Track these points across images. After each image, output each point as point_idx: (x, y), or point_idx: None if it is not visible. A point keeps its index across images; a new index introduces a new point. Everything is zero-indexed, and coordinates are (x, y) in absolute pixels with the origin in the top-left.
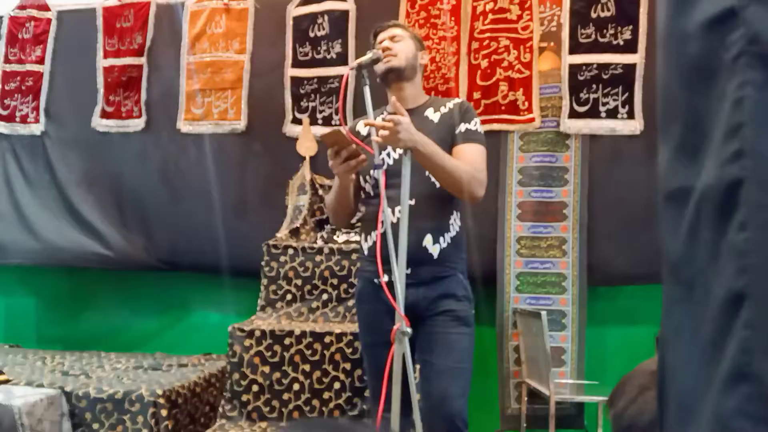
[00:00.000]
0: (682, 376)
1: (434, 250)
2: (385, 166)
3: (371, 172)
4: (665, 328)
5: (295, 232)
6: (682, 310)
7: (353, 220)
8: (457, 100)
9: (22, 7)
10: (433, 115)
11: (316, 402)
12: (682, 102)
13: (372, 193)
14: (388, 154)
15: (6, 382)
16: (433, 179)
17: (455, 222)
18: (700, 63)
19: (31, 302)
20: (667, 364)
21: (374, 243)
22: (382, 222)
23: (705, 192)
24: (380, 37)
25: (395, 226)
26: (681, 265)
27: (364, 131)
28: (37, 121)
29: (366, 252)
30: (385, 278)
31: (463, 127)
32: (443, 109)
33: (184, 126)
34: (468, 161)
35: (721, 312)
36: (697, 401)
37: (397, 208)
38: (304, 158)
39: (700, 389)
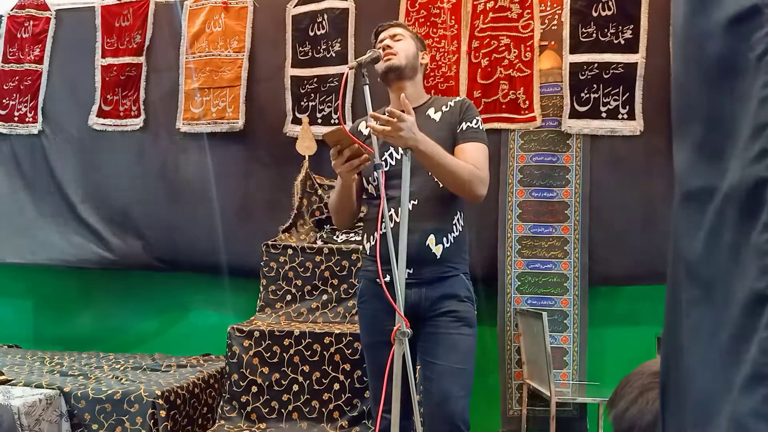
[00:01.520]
0: (700, 378)
1: (437, 250)
2: (386, 167)
3: (374, 173)
4: (677, 330)
5: (288, 230)
6: (699, 312)
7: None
8: (458, 99)
9: (21, 7)
10: (434, 115)
11: (315, 403)
12: (702, 101)
13: (375, 194)
14: (391, 155)
15: (5, 382)
16: (436, 179)
17: (458, 222)
18: (722, 62)
19: (29, 303)
20: (683, 366)
21: (376, 242)
22: (383, 222)
23: (729, 192)
24: (381, 36)
25: (398, 227)
26: (699, 266)
27: (366, 131)
28: (35, 120)
29: (368, 252)
30: (386, 279)
31: (464, 125)
32: (444, 108)
33: (183, 126)
34: (470, 160)
35: (743, 313)
36: (715, 403)
37: (399, 209)
38: (304, 158)
39: (719, 391)
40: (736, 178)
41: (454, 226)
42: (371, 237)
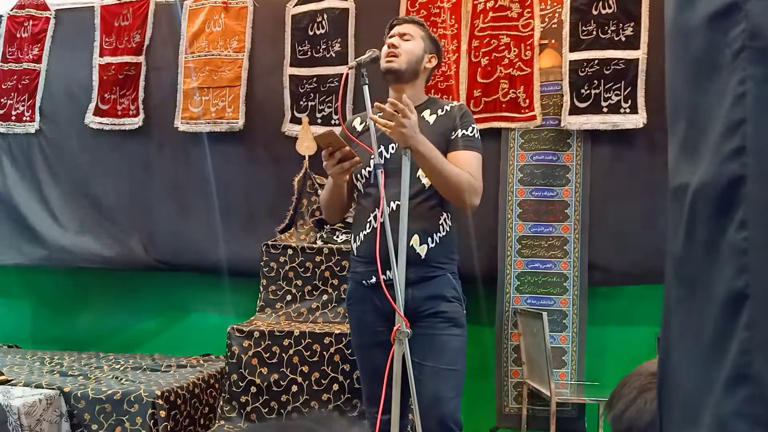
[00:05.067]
0: (685, 377)
1: (422, 251)
2: (381, 166)
3: (362, 170)
4: (669, 328)
5: (285, 230)
6: (684, 310)
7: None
8: (455, 104)
9: (20, 6)
10: (429, 117)
11: (314, 403)
12: (686, 98)
13: (362, 191)
14: (380, 153)
15: (5, 382)
16: (422, 180)
17: (445, 222)
18: (702, 58)
19: (29, 303)
20: (671, 364)
21: (361, 243)
22: (370, 222)
23: (700, 189)
24: (393, 31)
25: (383, 226)
26: (682, 264)
27: (360, 127)
28: (32, 120)
29: (355, 252)
30: (372, 280)
31: (460, 132)
32: (440, 112)
33: (181, 125)
34: (465, 168)
35: (722, 312)
36: (700, 403)
37: (386, 208)
38: (304, 158)
39: (703, 390)
40: (708, 174)
41: (441, 227)
42: (357, 237)
